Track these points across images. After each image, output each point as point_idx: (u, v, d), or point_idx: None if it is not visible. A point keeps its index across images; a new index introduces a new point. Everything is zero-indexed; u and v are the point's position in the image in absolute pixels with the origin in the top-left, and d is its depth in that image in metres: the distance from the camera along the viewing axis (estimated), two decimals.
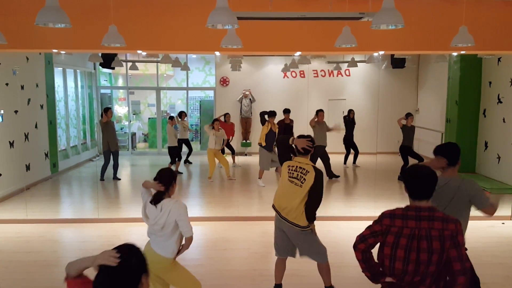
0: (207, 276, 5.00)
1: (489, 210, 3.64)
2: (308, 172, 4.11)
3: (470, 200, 3.60)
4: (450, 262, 2.47)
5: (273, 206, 4.40)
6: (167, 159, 10.59)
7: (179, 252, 3.69)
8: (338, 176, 10.20)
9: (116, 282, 1.85)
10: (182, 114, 11.56)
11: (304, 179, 4.10)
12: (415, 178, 2.60)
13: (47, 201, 8.56)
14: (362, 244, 2.66)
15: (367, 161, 11.58)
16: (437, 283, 2.53)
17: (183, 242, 3.67)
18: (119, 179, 10.19)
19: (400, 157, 10.14)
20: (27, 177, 9.08)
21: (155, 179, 3.65)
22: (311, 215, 4.19)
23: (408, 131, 10.04)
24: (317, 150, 9.69)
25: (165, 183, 3.61)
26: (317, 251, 4.37)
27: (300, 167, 4.16)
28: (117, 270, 1.85)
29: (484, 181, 9.52)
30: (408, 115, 10.16)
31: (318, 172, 4.13)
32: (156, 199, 3.59)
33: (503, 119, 9.62)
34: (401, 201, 2.74)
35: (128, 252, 1.91)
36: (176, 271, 3.73)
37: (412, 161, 9.68)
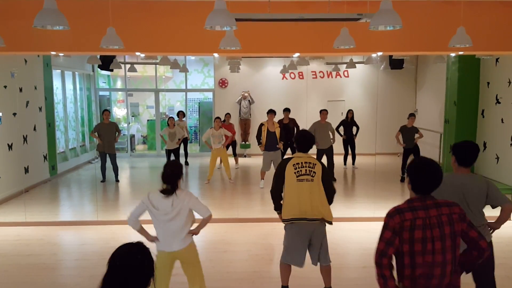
0: (207, 278, 4.96)
1: (508, 207, 3.63)
2: (315, 164, 4.22)
3: (487, 198, 3.60)
4: (476, 242, 2.53)
5: (293, 219, 4.24)
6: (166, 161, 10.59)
7: (197, 228, 3.81)
8: (335, 180, 10.14)
9: (130, 280, 1.80)
10: (179, 114, 11.64)
11: (314, 172, 4.18)
12: (424, 173, 2.56)
13: (46, 203, 8.54)
14: (385, 259, 2.51)
15: (366, 162, 11.58)
16: (456, 272, 2.55)
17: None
18: (117, 181, 10.17)
19: (400, 158, 10.14)
20: (26, 179, 9.06)
21: (165, 172, 3.65)
22: (330, 202, 4.36)
23: (407, 132, 10.02)
24: (318, 154, 9.67)
25: (177, 175, 3.66)
26: (327, 250, 4.43)
27: (306, 162, 4.21)
28: (132, 268, 1.81)
29: None
30: (410, 116, 10.12)
31: (322, 163, 4.33)
32: (171, 191, 3.63)
33: (502, 120, 9.64)
34: (401, 202, 2.73)
35: (141, 252, 1.89)
36: (197, 257, 3.88)
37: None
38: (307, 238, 4.29)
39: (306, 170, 4.18)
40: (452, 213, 2.51)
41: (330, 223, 4.31)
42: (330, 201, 4.32)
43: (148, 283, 1.86)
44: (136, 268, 1.82)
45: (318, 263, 4.47)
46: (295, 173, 4.18)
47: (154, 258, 1.97)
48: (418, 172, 2.57)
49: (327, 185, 4.26)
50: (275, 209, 4.46)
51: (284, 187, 4.28)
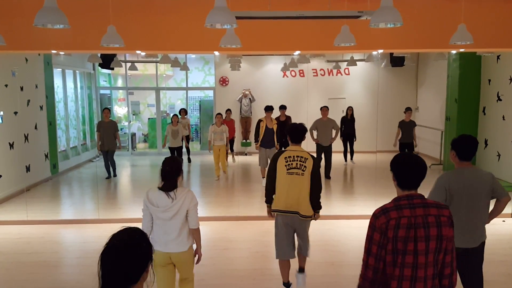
0: (208, 275, 5.00)
1: (507, 200, 3.66)
2: (307, 159, 4.21)
3: (493, 191, 3.59)
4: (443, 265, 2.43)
5: (277, 211, 4.33)
6: None
7: (197, 251, 3.74)
8: (329, 178, 10.11)
9: (126, 261, 1.75)
10: (181, 111, 11.67)
11: (305, 166, 4.19)
12: (408, 167, 2.50)
13: (47, 202, 8.56)
14: (372, 259, 2.42)
15: (367, 159, 11.58)
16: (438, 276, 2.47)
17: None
18: (114, 176, 10.28)
19: None
20: (27, 178, 9.08)
21: (163, 169, 3.56)
22: (317, 203, 4.31)
23: (406, 127, 10.00)
24: (318, 150, 9.67)
25: (176, 172, 3.58)
26: (308, 243, 4.48)
27: (298, 156, 4.22)
28: (129, 250, 1.77)
29: None
30: (407, 110, 10.12)
31: (314, 158, 4.32)
32: (170, 187, 3.54)
33: (503, 117, 9.62)
34: None
35: (139, 234, 1.86)
36: (192, 263, 3.79)
37: None
38: (292, 229, 4.38)
39: (297, 163, 4.20)
40: (441, 215, 2.43)
41: (310, 217, 4.34)
42: (317, 196, 4.30)
43: (146, 267, 1.82)
44: (134, 248, 1.79)
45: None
46: (285, 165, 4.20)
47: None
48: (402, 167, 2.51)
49: (315, 180, 4.25)
50: (266, 202, 4.47)
51: (278, 176, 4.31)
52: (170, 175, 3.56)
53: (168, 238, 3.58)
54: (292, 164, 4.19)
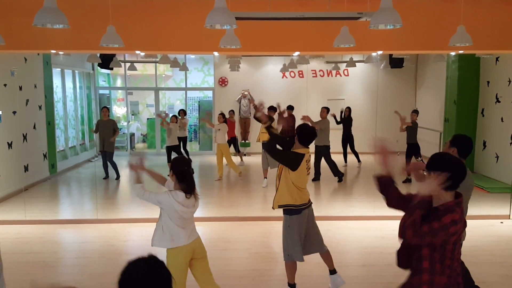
0: None
1: None
2: (310, 155, 4.59)
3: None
4: None
5: (304, 204, 4.43)
6: (166, 159, 10.57)
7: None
8: (340, 181, 10.13)
9: None
10: (180, 112, 11.66)
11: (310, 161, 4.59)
12: (464, 169, 2.37)
13: (46, 202, 8.55)
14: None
15: (366, 161, 11.58)
16: None
17: None
18: (118, 178, 10.20)
19: (401, 157, 10.12)
20: (26, 178, 9.06)
21: (187, 171, 3.61)
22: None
23: (410, 128, 10.02)
24: (320, 151, 9.66)
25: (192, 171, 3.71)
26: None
27: (309, 156, 4.52)
28: (151, 281, 1.63)
29: (482, 181, 9.54)
30: (412, 112, 10.11)
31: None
32: (191, 189, 3.62)
33: (501, 119, 9.64)
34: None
35: (159, 264, 1.70)
36: None
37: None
38: (306, 224, 4.48)
39: (309, 164, 4.49)
40: None
41: None
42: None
43: None
44: (156, 281, 1.64)
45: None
46: (306, 168, 4.46)
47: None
48: (461, 169, 2.36)
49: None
50: (269, 127, 4.63)
51: (294, 176, 4.35)
52: (192, 176, 3.66)
53: (188, 229, 3.70)
54: (308, 164, 4.47)
